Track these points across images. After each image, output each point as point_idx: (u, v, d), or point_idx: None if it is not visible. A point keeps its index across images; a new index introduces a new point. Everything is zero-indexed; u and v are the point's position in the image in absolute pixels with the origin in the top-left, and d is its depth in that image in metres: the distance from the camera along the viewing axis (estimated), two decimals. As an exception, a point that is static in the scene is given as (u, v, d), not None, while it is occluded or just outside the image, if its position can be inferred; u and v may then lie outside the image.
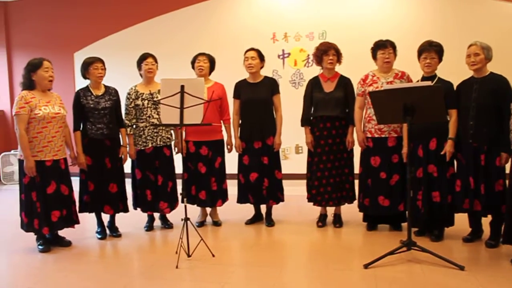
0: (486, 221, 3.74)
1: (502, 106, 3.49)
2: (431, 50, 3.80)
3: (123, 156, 4.30)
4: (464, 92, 3.70)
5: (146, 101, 4.29)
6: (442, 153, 3.72)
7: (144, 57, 4.35)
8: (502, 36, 5.89)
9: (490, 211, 3.60)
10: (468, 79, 3.74)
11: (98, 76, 4.15)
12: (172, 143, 4.47)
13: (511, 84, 3.57)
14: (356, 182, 4.31)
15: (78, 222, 4.07)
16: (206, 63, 4.47)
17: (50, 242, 3.99)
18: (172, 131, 4.46)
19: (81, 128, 4.16)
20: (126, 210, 4.37)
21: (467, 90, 3.68)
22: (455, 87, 3.79)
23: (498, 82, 3.57)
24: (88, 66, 4.15)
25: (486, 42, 3.65)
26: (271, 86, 4.47)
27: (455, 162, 3.83)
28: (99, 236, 4.28)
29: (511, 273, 3.16)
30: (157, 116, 4.27)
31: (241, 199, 4.59)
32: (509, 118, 3.42)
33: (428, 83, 3.55)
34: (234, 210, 4.80)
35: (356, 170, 4.31)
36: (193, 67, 4.54)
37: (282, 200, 4.57)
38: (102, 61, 4.20)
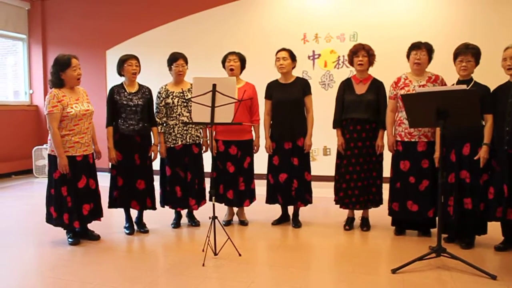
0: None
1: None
2: (468, 53, 3.71)
3: (152, 154, 4.35)
4: (500, 97, 3.60)
5: (177, 99, 4.33)
6: (475, 158, 3.63)
7: (175, 59, 4.38)
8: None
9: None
10: (504, 84, 3.64)
11: (132, 72, 4.21)
12: (201, 141, 4.50)
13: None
14: (386, 186, 4.25)
15: (102, 215, 4.15)
16: (237, 62, 4.48)
17: (80, 235, 4.07)
18: (201, 130, 4.49)
19: (113, 124, 4.24)
20: (153, 207, 4.42)
21: (503, 95, 3.58)
22: (491, 91, 3.70)
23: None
24: (123, 63, 4.22)
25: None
26: (303, 86, 4.45)
27: (490, 169, 3.73)
28: (127, 232, 4.34)
29: (546, 284, 3.07)
30: (187, 114, 4.31)
31: (270, 200, 4.58)
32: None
33: (463, 86, 3.47)
34: (261, 210, 4.80)
35: (386, 174, 4.25)
36: (223, 66, 4.56)
37: (311, 202, 4.54)
38: (137, 58, 4.28)
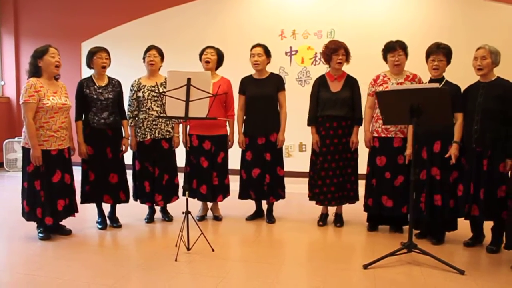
0: (487, 226, 3.72)
1: (507, 111, 3.46)
2: (439, 52, 3.77)
3: (123, 148, 4.30)
4: (470, 96, 3.67)
5: (147, 93, 4.29)
6: (446, 156, 3.69)
7: (148, 49, 4.36)
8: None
9: (491, 217, 3.57)
10: (475, 84, 3.71)
11: (102, 66, 4.15)
12: (172, 136, 4.44)
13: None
14: (361, 182, 4.30)
15: (77, 211, 4.09)
16: (214, 56, 4.46)
17: (51, 230, 4.00)
18: (172, 125, 4.44)
19: (83, 118, 4.16)
20: (127, 200, 4.38)
21: (473, 95, 3.65)
22: (462, 91, 3.76)
23: (504, 88, 3.53)
24: (92, 55, 4.15)
25: (495, 46, 3.62)
26: (276, 82, 4.46)
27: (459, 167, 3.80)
28: (100, 226, 4.29)
29: (511, 278, 3.15)
30: (157, 109, 4.28)
31: (242, 195, 4.58)
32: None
33: (436, 85, 3.52)
34: (235, 206, 4.80)
35: (361, 170, 4.30)
36: (200, 59, 4.53)
37: (283, 197, 4.56)
38: (106, 51, 4.20)
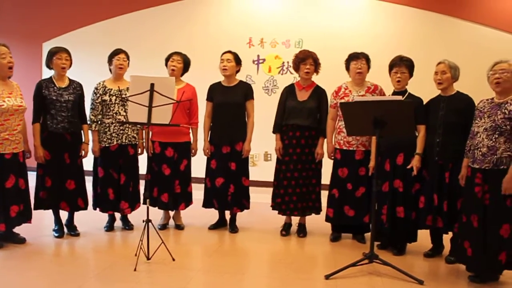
0: (447, 237, 3.78)
1: (469, 125, 3.53)
2: (402, 65, 3.85)
3: (83, 153, 4.18)
4: (432, 109, 3.75)
5: (114, 97, 4.19)
6: (408, 167, 3.74)
7: (116, 52, 4.27)
8: (473, 57, 6.01)
9: (451, 228, 3.64)
10: (436, 97, 3.79)
11: (61, 66, 4.02)
12: (137, 142, 4.36)
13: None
14: (325, 193, 4.31)
15: (31, 217, 3.94)
16: (180, 63, 4.40)
17: (3, 238, 3.82)
18: (137, 131, 4.35)
19: (40, 121, 4.01)
20: (85, 208, 4.23)
21: (434, 108, 3.72)
22: (424, 103, 3.84)
23: (464, 102, 3.62)
24: (52, 56, 4.02)
25: (457, 61, 3.71)
26: (245, 91, 4.43)
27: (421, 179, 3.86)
28: (56, 235, 4.14)
29: (467, 288, 3.22)
30: (124, 114, 4.18)
31: (206, 204, 4.52)
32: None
33: (399, 97, 3.58)
34: (198, 214, 4.72)
35: (325, 181, 4.31)
36: (166, 65, 4.46)
37: (247, 208, 4.51)
38: (67, 52, 4.08)
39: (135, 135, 4.31)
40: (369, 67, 4.16)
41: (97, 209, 4.35)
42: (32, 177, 4.02)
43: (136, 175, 4.37)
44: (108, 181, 4.25)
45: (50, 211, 4.14)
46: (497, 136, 3.16)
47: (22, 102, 3.78)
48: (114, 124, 4.20)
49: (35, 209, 4.04)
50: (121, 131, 4.22)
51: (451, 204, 3.60)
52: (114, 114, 4.20)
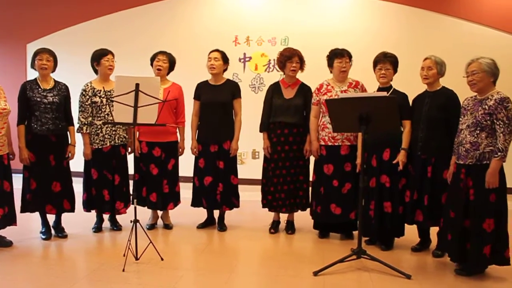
0: (434, 231, 3.82)
1: (451, 120, 3.58)
2: (386, 61, 3.87)
3: (69, 155, 4.14)
4: (417, 105, 3.79)
5: (105, 99, 4.15)
6: (394, 162, 3.77)
7: (104, 53, 4.22)
8: (458, 53, 6.07)
9: (435, 222, 3.67)
10: (422, 93, 3.82)
11: (41, 67, 3.96)
12: (127, 142, 4.36)
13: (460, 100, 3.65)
14: (310, 189, 4.32)
15: (16, 220, 3.91)
16: (166, 63, 4.38)
17: (-11, 241, 3.79)
18: (127, 130, 4.34)
19: (25, 123, 3.97)
20: (72, 210, 4.19)
21: (420, 103, 3.77)
22: (410, 99, 3.87)
23: (448, 97, 3.66)
24: (34, 56, 3.98)
25: (442, 57, 3.74)
26: (232, 89, 4.42)
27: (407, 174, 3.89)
28: (43, 237, 4.10)
29: (454, 281, 3.27)
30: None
31: (194, 203, 4.51)
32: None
33: (384, 93, 3.60)
34: (187, 214, 4.71)
35: (311, 177, 4.32)
36: (151, 64, 4.44)
37: (237, 206, 4.52)
38: (49, 53, 4.02)
39: (125, 134, 4.31)
40: (351, 64, 4.18)
41: (91, 211, 4.32)
42: (19, 180, 3.99)
43: (126, 175, 4.36)
44: (102, 182, 4.23)
45: (35, 213, 4.10)
46: (478, 131, 3.21)
47: (6, 105, 3.74)
48: (107, 126, 4.18)
49: (21, 211, 4.01)
50: (114, 132, 4.21)
51: (435, 198, 3.64)
52: (106, 115, 4.17)
